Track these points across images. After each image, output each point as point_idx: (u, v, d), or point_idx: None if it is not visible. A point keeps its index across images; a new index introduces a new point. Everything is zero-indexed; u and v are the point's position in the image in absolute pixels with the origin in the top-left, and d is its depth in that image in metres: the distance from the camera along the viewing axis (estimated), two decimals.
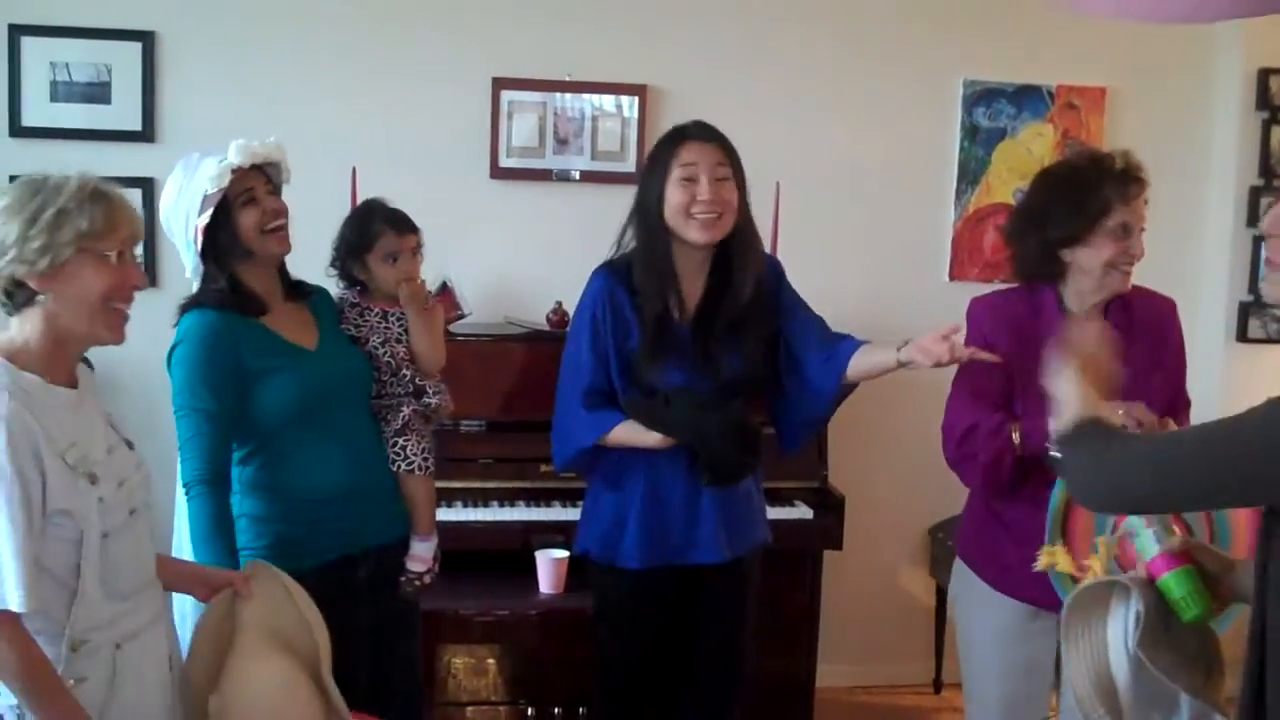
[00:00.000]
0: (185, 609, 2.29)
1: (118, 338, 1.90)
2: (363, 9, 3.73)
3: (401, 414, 2.55)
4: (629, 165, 3.80)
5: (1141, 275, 2.47)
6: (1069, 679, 1.83)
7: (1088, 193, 2.38)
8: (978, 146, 4.03)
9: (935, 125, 4.02)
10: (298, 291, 2.51)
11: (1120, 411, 2.14)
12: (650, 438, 2.49)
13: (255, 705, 1.99)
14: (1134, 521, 1.84)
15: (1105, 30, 3.89)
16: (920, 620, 4.12)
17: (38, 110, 3.60)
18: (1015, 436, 2.36)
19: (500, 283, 3.77)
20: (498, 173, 3.81)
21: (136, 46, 3.62)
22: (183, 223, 2.33)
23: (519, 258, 3.82)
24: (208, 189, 2.28)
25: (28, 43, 3.58)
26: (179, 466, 2.27)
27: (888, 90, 3.98)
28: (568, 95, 3.80)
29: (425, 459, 2.57)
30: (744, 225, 2.55)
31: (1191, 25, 3.85)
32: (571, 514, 3.08)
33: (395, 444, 2.54)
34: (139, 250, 2.08)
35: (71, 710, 1.75)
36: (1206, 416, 1.64)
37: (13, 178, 1.96)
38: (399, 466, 2.54)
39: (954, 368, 2.44)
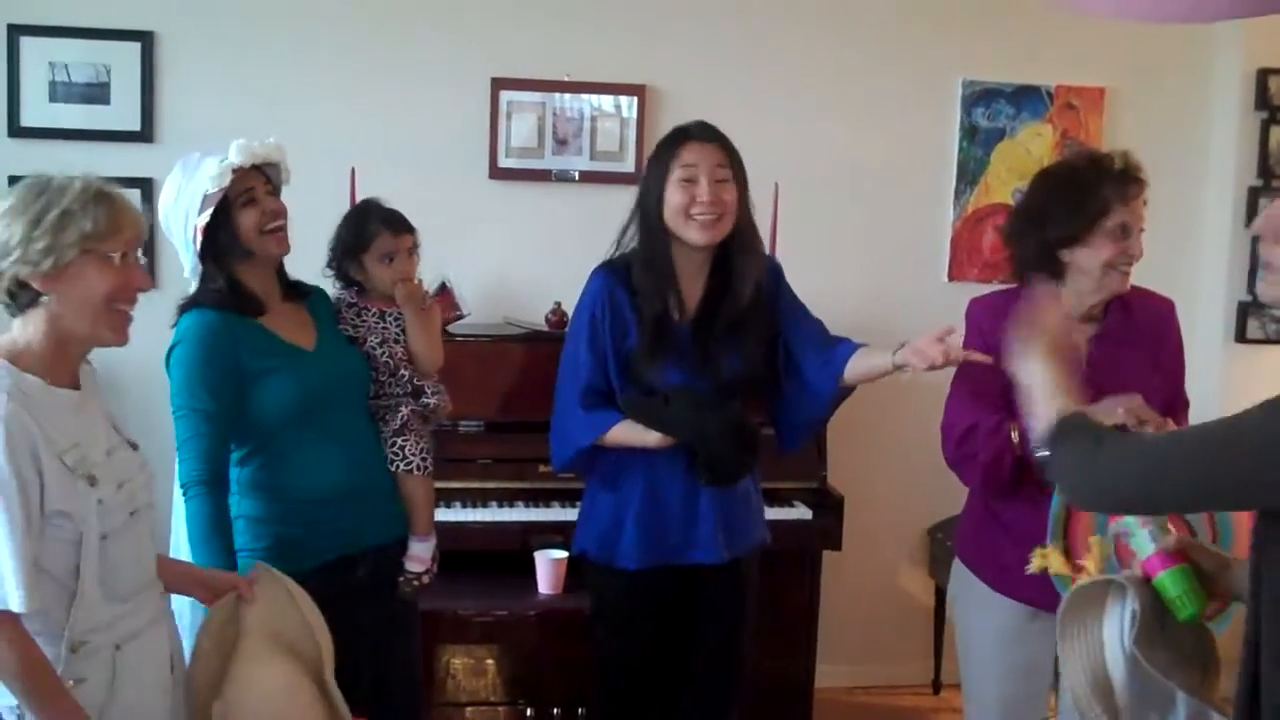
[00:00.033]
0: (182, 609, 2.29)
1: (121, 339, 1.90)
2: (362, 9, 3.73)
3: (400, 414, 2.55)
4: (628, 166, 3.80)
5: (1140, 276, 2.47)
6: (1065, 678, 1.83)
7: (1087, 193, 2.38)
8: (977, 147, 4.04)
9: (934, 125, 4.02)
10: (295, 292, 2.51)
11: (1120, 410, 2.14)
12: (649, 437, 2.49)
13: (258, 710, 1.99)
14: (1129, 520, 1.83)
15: (1104, 30, 3.89)
16: (919, 621, 4.12)
17: (36, 110, 3.60)
18: (1014, 436, 2.36)
19: (499, 283, 3.77)
20: (497, 173, 3.81)
21: (135, 47, 3.62)
22: (182, 222, 2.33)
23: (518, 258, 3.82)
24: (208, 188, 2.28)
25: (27, 43, 3.58)
26: (176, 467, 2.28)
27: (887, 90, 3.98)
28: (567, 95, 3.80)
29: (424, 459, 2.57)
30: (745, 226, 2.55)
31: (1190, 25, 3.85)
32: (570, 514, 3.08)
33: (394, 444, 2.54)
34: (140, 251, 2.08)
35: (71, 711, 1.75)
36: (1205, 417, 1.63)
37: (11, 178, 1.96)
38: (397, 467, 2.54)
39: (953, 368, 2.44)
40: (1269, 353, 4.10)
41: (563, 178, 3.84)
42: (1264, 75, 4.02)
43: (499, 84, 3.77)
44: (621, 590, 2.62)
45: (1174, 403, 2.49)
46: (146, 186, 3.49)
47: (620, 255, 2.59)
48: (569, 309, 2.77)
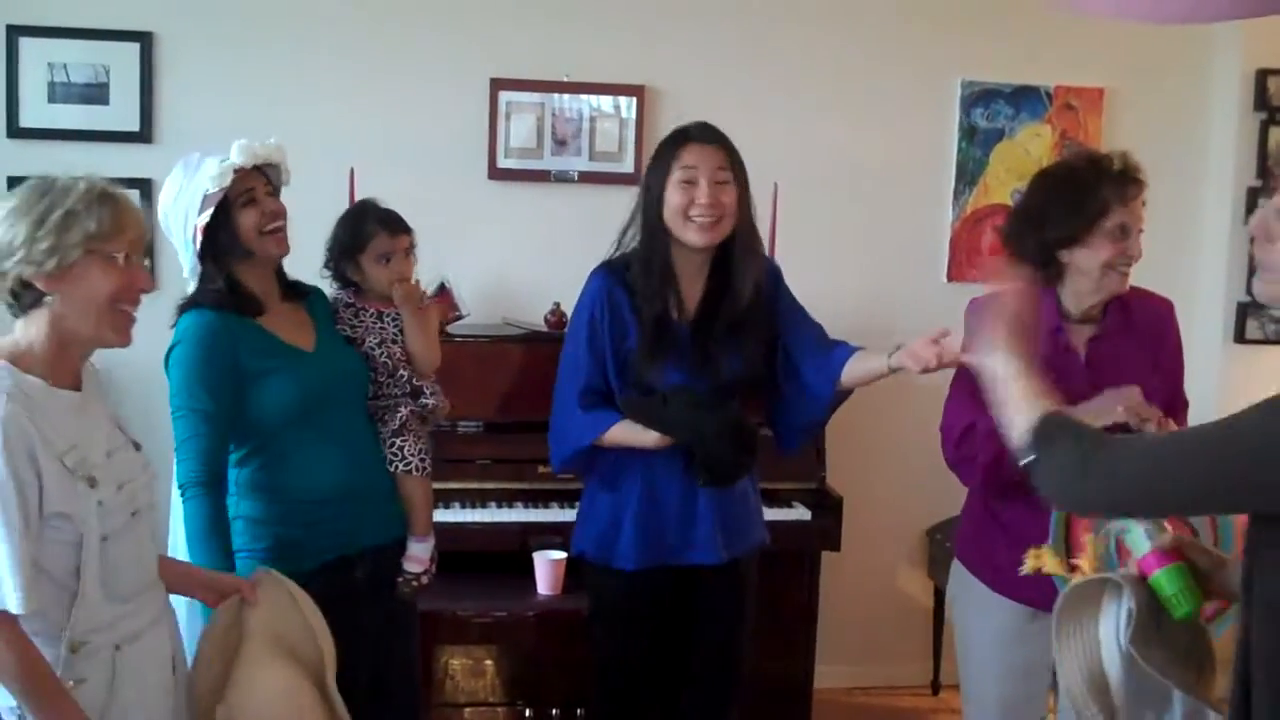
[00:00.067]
0: (178, 608, 2.28)
1: (124, 340, 1.90)
2: (361, 9, 3.73)
3: (399, 415, 2.55)
4: (627, 166, 3.80)
5: (1139, 276, 2.47)
6: (1061, 676, 1.83)
7: (1086, 194, 2.38)
8: (976, 147, 4.04)
9: (933, 126, 4.02)
10: (294, 292, 2.50)
11: (1120, 408, 2.14)
12: (647, 437, 2.49)
13: (260, 713, 1.99)
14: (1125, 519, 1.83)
15: (1103, 31, 3.89)
16: (918, 621, 4.12)
17: (35, 111, 3.60)
18: None
19: (498, 283, 3.77)
20: (496, 173, 3.81)
21: (134, 47, 3.62)
22: (182, 222, 2.33)
23: (517, 259, 3.82)
24: (208, 188, 2.28)
25: (26, 43, 3.58)
26: (175, 467, 2.27)
27: (886, 90, 3.98)
28: (566, 96, 3.80)
29: (422, 460, 2.57)
30: (745, 228, 2.55)
31: (1190, 26, 3.85)
32: (569, 515, 3.08)
33: (392, 445, 2.54)
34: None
35: (71, 712, 1.75)
36: (1205, 417, 1.62)
37: (11, 179, 1.96)
38: (396, 467, 2.54)
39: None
40: (1268, 353, 4.11)
41: (562, 178, 3.84)
42: (1263, 76, 4.02)
43: (498, 84, 3.77)
44: (620, 591, 2.62)
45: (1173, 403, 2.49)
46: (145, 187, 3.48)
47: (620, 255, 2.59)
48: (568, 309, 2.77)
